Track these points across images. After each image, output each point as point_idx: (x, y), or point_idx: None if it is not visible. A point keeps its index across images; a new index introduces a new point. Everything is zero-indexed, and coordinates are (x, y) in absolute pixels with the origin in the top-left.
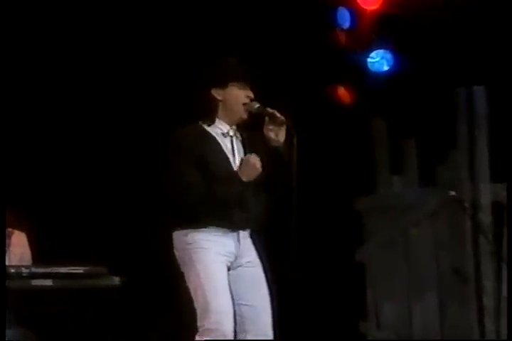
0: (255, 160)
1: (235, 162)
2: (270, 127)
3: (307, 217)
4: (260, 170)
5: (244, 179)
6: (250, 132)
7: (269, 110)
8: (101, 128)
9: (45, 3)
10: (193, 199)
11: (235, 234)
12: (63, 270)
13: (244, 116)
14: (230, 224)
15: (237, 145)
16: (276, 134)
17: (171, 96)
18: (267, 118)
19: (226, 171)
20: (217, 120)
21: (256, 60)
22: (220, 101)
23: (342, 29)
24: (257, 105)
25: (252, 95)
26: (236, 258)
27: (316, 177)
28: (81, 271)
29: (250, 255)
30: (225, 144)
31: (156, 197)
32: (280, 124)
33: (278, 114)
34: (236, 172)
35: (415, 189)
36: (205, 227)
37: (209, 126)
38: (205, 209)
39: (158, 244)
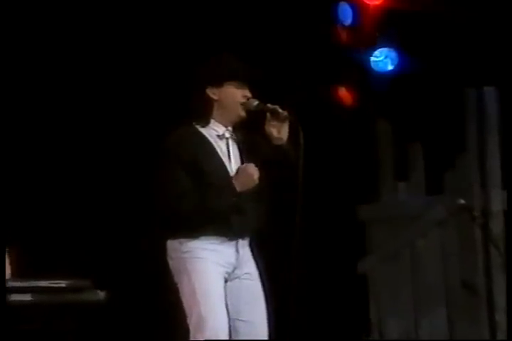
0: (253, 170)
1: (231, 166)
2: (273, 123)
3: (306, 225)
4: (257, 181)
5: (238, 189)
6: (246, 134)
7: (270, 106)
8: (89, 134)
9: (43, 3)
10: (187, 207)
11: (233, 242)
12: (43, 283)
13: (243, 114)
14: (228, 231)
15: (232, 148)
16: (279, 131)
17: (165, 96)
18: (268, 114)
19: (221, 178)
20: (212, 121)
21: (254, 60)
22: (216, 100)
23: (344, 26)
24: (256, 102)
25: (249, 95)
26: (234, 269)
27: (317, 183)
28: (63, 285)
29: (249, 266)
30: (220, 147)
31: (146, 205)
32: (283, 120)
33: (280, 109)
34: (231, 180)
35: (422, 196)
36: (202, 236)
37: (203, 127)
38: (200, 218)
39: (146, 255)
